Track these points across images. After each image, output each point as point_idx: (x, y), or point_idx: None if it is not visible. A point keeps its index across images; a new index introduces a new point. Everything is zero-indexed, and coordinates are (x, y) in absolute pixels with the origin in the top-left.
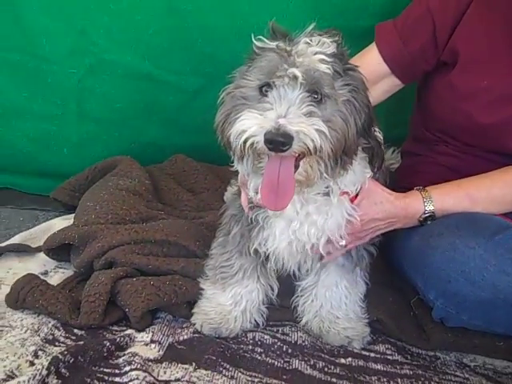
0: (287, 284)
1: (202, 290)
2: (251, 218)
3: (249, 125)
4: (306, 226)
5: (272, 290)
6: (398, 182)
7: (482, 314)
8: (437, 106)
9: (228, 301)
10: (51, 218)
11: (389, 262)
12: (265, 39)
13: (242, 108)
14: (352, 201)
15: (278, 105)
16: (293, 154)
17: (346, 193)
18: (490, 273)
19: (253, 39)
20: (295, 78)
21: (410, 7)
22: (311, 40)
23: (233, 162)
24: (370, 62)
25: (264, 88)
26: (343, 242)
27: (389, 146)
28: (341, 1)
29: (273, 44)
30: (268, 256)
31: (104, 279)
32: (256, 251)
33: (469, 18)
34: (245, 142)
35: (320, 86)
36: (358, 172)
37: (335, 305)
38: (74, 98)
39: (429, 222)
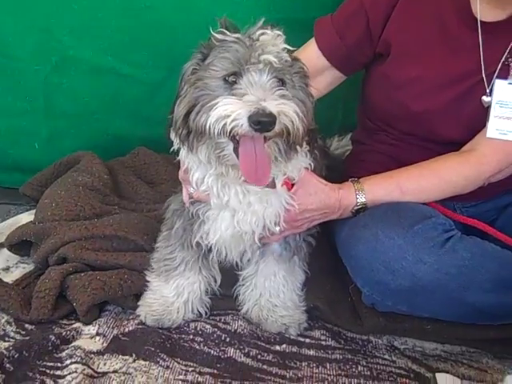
0: (230, 274)
1: (148, 282)
2: (192, 213)
3: (232, 109)
4: (249, 216)
5: (215, 280)
6: (346, 170)
7: (405, 301)
8: (374, 95)
9: (171, 292)
10: (22, 212)
11: (334, 248)
12: (226, 31)
13: (208, 98)
14: (288, 190)
15: (254, 90)
16: (272, 134)
17: (288, 179)
18: (408, 262)
19: (212, 32)
20: (269, 63)
21: (346, 1)
22: (268, 32)
23: (177, 153)
24: (310, 56)
25: (230, 78)
26: (277, 230)
27: (346, 133)
28: None
29: (233, 36)
30: (210, 248)
31: (54, 275)
32: (198, 244)
33: (400, 10)
34: (223, 126)
35: (284, 72)
36: (300, 157)
37: (273, 293)
38: (42, 94)
39: (361, 213)
